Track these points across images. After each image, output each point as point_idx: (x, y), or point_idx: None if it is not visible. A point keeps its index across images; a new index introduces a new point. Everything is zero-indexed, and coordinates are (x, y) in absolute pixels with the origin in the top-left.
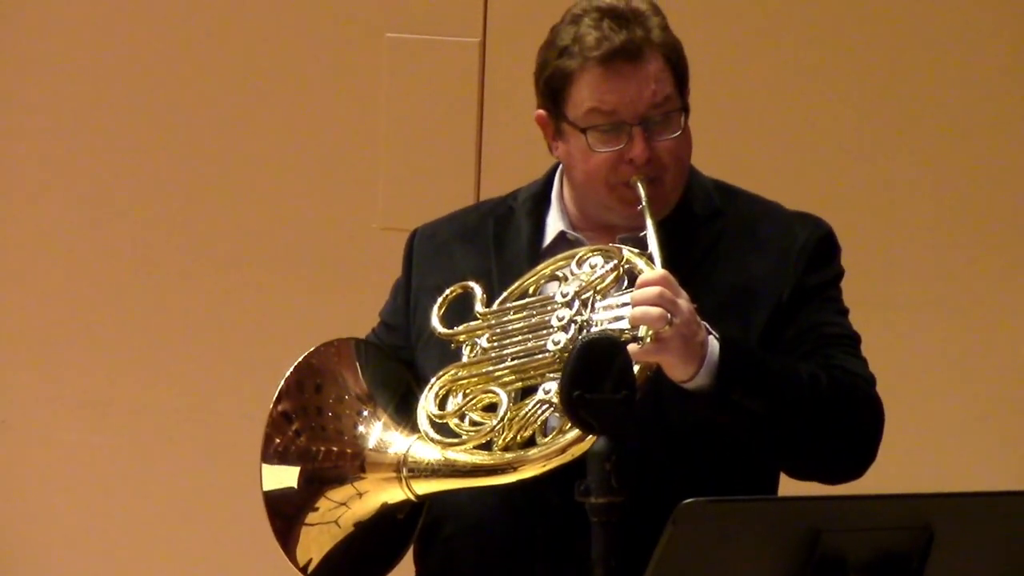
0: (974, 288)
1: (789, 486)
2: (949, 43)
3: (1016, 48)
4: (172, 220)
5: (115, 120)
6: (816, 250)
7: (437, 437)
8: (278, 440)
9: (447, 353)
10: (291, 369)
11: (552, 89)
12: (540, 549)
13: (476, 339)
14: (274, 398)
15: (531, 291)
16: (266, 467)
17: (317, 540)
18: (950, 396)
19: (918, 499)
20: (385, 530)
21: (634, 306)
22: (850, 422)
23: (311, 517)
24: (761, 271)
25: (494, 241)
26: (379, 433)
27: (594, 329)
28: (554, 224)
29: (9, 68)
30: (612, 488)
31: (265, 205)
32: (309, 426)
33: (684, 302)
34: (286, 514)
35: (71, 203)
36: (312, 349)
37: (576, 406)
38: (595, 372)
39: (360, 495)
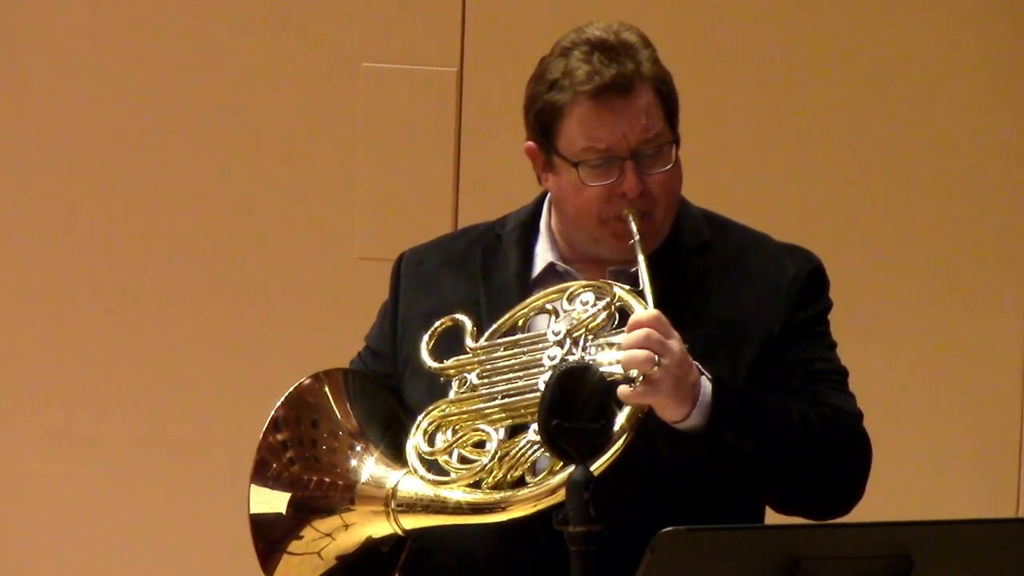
0: (952, 317)
1: (768, 514)
2: (931, 77)
3: (999, 86)
4: (149, 251)
5: (89, 151)
6: (806, 285)
7: (427, 475)
8: (275, 465)
9: (434, 384)
10: (282, 399)
11: (542, 123)
12: None
13: (465, 374)
14: (267, 425)
15: (520, 324)
16: (255, 489)
17: (298, 570)
18: (928, 425)
19: (897, 527)
20: (367, 564)
21: (624, 349)
22: (839, 460)
23: (294, 545)
24: (751, 306)
25: (482, 270)
26: (369, 467)
27: None
28: (543, 255)
29: None
30: (590, 517)
31: (242, 235)
32: (303, 456)
33: (675, 343)
34: (270, 538)
35: (45, 235)
36: (305, 381)
37: (554, 435)
38: (573, 401)
39: (346, 527)
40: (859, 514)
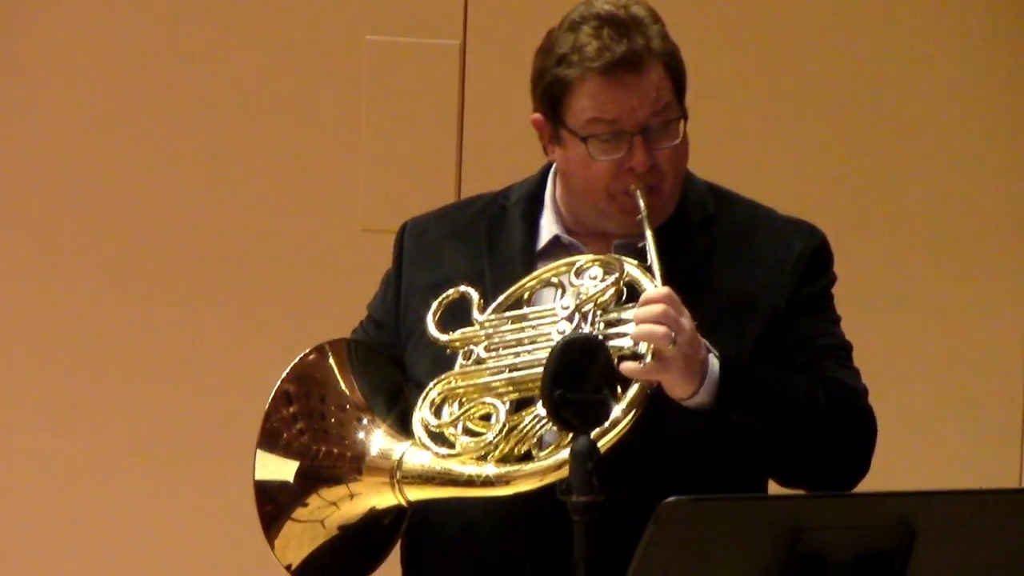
0: (958, 288)
1: (771, 484)
2: (942, 49)
3: (1008, 55)
4: (151, 222)
5: (97, 124)
6: (811, 260)
7: (432, 447)
8: (284, 435)
9: (439, 355)
10: (288, 370)
11: (551, 97)
12: (532, 556)
13: (472, 347)
14: (274, 396)
15: (526, 297)
16: (262, 455)
17: (300, 537)
18: (932, 394)
19: (899, 497)
20: (368, 535)
21: (637, 323)
22: (844, 438)
23: (299, 512)
24: (757, 281)
25: (487, 242)
26: (376, 438)
27: None
28: (548, 227)
29: None
30: (593, 487)
31: (246, 207)
32: (312, 427)
33: (687, 320)
34: (276, 504)
35: (48, 204)
36: (310, 355)
37: (557, 405)
38: (576, 372)
39: (351, 497)
40: (862, 484)
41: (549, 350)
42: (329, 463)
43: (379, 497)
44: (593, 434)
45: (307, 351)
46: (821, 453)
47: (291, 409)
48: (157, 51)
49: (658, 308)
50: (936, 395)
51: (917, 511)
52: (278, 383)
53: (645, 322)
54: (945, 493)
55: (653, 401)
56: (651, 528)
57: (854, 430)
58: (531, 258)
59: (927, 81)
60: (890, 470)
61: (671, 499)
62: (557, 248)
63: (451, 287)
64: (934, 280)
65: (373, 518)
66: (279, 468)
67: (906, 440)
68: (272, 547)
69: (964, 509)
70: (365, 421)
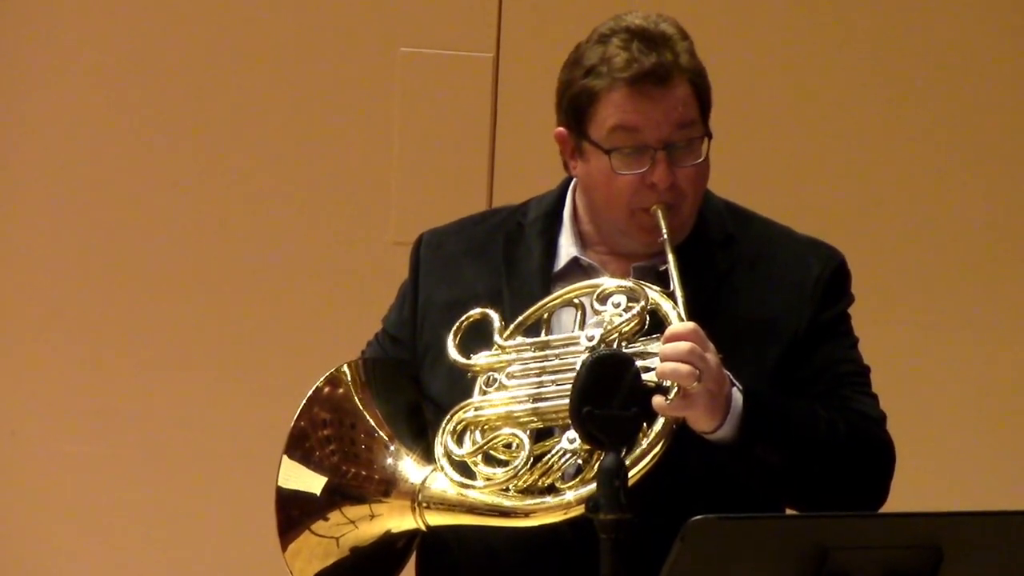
0: (985, 304)
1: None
2: (954, 58)
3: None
4: (183, 232)
5: (125, 130)
6: (831, 283)
7: (455, 476)
8: (316, 453)
9: (456, 374)
10: (312, 392)
11: (576, 108)
12: None
13: (494, 373)
14: (301, 413)
15: (545, 317)
16: (289, 464)
17: (312, 551)
18: (960, 414)
19: (927, 518)
20: (379, 557)
21: (663, 360)
22: (863, 470)
23: (319, 526)
24: (776, 304)
25: (504, 261)
26: (402, 462)
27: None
28: (567, 247)
29: (13, 70)
30: (621, 505)
31: (277, 218)
32: (342, 450)
33: (712, 356)
34: (297, 513)
35: (78, 212)
36: (332, 377)
37: (585, 422)
38: (605, 388)
39: (372, 517)
40: (889, 504)
41: (574, 377)
42: (356, 483)
43: (399, 520)
44: None
45: (329, 373)
46: (839, 485)
47: (322, 432)
48: (188, 61)
49: (684, 346)
50: (965, 414)
51: (944, 532)
52: (303, 404)
53: (671, 359)
54: (973, 514)
55: (676, 432)
56: (677, 546)
57: (873, 463)
58: (549, 279)
59: (939, 88)
60: (918, 490)
61: (698, 517)
62: (575, 269)
63: (469, 306)
64: (964, 297)
65: (387, 541)
66: (307, 480)
67: (935, 460)
68: (284, 551)
69: (991, 530)
70: (392, 447)
